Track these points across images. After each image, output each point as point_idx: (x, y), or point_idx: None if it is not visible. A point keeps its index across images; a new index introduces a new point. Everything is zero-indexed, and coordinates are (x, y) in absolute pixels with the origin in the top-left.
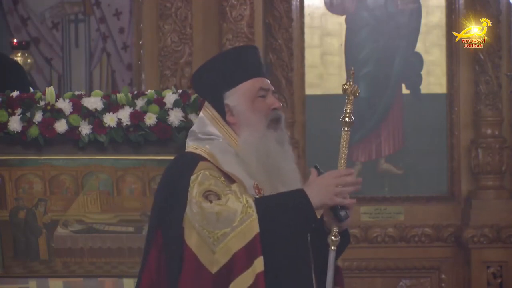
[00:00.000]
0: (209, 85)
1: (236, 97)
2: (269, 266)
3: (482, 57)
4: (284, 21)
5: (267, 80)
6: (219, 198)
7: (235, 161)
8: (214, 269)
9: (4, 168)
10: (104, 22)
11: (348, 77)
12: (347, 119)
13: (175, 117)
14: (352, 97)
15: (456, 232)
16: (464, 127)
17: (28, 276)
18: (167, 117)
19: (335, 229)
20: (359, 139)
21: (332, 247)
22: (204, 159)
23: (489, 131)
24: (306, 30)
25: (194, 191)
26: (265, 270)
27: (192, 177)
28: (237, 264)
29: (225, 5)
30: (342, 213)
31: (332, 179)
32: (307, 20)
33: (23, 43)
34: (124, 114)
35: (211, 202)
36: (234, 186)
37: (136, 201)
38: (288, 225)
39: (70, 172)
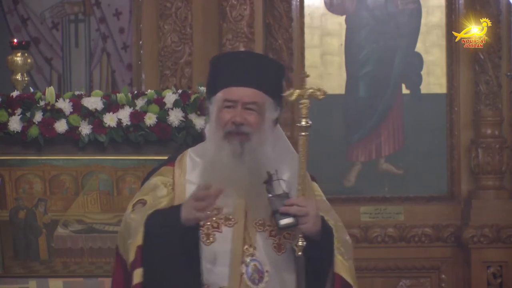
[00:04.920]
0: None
1: (212, 106)
2: (150, 278)
3: (482, 57)
4: (284, 21)
5: (247, 90)
6: None
7: (202, 168)
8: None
9: (4, 168)
10: (104, 22)
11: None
12: (303, 123)
13: (175, 117)
14: (308, 101)
15: (456, 232)
16: (464, 127)
17: (28, 276)
18: (167, 117)
19: (300, 234)
20: (359, 139)
21: (299, 253)
22: (172, 163)
23: (489, 131)
24: (306, 30)
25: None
26: (146, 283)
27: (146, 183)
28: (131, 274)
29: (225, 5)
30: (284, 221)
31: (193, 194)
32: (307, 20)
33: (23, 43)
34: (124, 114)
35: (133, 211)
36: (171, 195)
37: None
38: (162, 239)
39: (70, 172)
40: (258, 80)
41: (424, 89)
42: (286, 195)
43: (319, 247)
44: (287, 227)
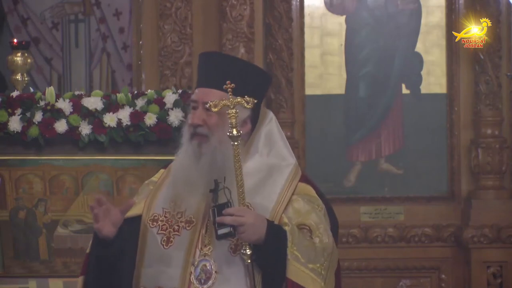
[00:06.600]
0: None
1: None
2: (87, 286)
3: (482, 57)
4: (284, 21)
5: (206, 90)
6: None
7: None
8: None
9: (4, 168)
10: (104, 22)
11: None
12: (234, 132)
13: (175, 117)
14: (235, 110)
15: (456, 232)
16: (464, 127)
17: (28, 276)
18: (167, 117)
19: (246, 243)
20: (359, 139)
21: (248, 261)
22: (168, 165)
23: (489, 131)
24: (306, 30)
25: None
26: None
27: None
28: None
29: (225, 5)
30: (221, 231)
31: None
32: (307, 20)
33: (23, 43)
34: (124, 114)
35: None
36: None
37: None
38: (94, 247)
39: (70, 172)
40: (220, 81)
41: (424, 89)
42: (227, 205)
43: (267, 254)
44: (224, 237)
